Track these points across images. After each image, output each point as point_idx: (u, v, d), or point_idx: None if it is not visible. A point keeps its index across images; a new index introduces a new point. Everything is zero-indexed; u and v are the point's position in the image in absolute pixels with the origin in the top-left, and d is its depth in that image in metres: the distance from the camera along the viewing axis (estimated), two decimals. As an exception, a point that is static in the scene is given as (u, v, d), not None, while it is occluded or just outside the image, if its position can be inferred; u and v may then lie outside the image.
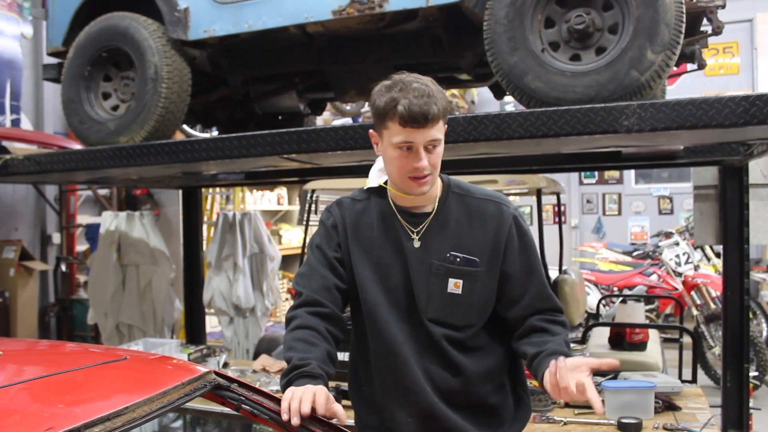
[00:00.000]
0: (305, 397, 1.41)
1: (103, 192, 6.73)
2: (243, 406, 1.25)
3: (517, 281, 1.80)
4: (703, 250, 7.26)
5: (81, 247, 6.78)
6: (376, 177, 2.02)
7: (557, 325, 1.79)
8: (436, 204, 1.81)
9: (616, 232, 10.57)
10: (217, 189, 7.24)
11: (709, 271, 6.87)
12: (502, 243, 1.78)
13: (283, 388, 1.52)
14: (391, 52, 3.47)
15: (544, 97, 2.62)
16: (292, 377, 1.52)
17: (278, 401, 1.33)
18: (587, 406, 2.77)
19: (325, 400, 1.44)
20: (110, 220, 5.06)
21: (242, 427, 4.24)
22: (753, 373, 4.46)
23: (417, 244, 1.78)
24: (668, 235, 7.63)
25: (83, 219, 6.77)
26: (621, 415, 2.61)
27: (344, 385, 2.93)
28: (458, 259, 1.75)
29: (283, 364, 3.86)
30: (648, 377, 2.91)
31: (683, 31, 2.51)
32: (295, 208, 9.41)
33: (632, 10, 2.50)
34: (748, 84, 9.56)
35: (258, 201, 8.64)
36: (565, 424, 2.74)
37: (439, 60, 3.47)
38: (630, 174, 10.51)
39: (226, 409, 1.46)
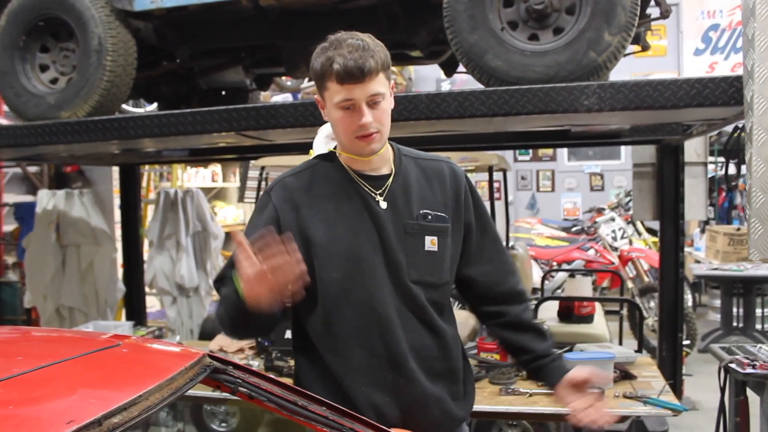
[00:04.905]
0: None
1: (33, 169, 6.41)
2: (240, 389, 1.22)
3: (475, 235, 1.85)
4: (634, 225, 7.54)
5: (8, 227, 6.45)
6: (323, 144, 1.92)
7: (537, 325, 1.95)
8: (393, 166, 1.79)
9: (549, 208, 10.78)
10: (155, 166, 7.00)
11: (641, 245, 7.15)
12: (462, 197, 1.82)
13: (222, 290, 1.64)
14: (345, 28, 3.37)
15: (504, 76, 2.64)
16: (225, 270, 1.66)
17: (276, 383, 1.30)
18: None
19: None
20: (47, 199, 4.83)
21: (192, 408, 4.19)
22: (684, 342, 4.69)
23: (384, 205, 1.73)
24: (600, 211, 7.84)
25: (10, 197, 6.44)
26: (584, 386, 2.68)
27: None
28: (430, 217, 1.75)
29: (241, 344, 3.79)
30: (604, 348, 3.01)
31: (638, 13, 2.58)
32: (230, 185, 9.24)
33: (590, -8, 2.55)
34: (673, 66, 9.93)
35: (192, 178, 8.42)
36: (530, 395, 2.74)
37: (393, 37, 3.44)
38: (563, 151, 10.71)
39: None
